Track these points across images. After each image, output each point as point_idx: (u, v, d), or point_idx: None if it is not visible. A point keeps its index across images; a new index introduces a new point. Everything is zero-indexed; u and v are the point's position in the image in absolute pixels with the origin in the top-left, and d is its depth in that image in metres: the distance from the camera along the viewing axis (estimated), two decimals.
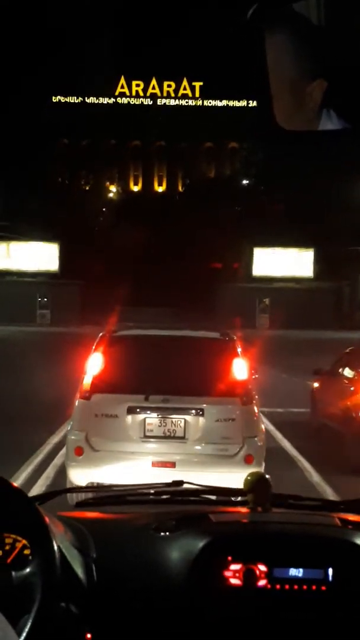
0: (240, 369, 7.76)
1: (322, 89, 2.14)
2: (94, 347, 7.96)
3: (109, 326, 8.64)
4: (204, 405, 7.45)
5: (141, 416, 7.43)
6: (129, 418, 7.43)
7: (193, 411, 7.41)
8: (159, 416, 7.42)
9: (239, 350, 8.01)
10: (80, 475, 7.27)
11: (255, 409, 7.73)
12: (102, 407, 7.52)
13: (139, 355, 8.06)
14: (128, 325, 9.88)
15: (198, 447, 7.34)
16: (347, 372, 12.08)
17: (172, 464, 7.18)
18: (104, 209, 71.04)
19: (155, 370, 7.87)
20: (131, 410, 7.44)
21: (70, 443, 7.59)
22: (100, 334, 8.20)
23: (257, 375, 9.35)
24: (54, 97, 75.04)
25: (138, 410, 7.44)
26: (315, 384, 13.95)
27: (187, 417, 7.41)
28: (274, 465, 7.64)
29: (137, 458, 7.22)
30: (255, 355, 7.61)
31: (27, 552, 1.97)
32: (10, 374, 19.92)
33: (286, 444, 11.80)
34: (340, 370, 12.48)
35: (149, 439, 7.41)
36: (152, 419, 7.42)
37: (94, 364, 7.76)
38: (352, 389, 11.42)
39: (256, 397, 7.90)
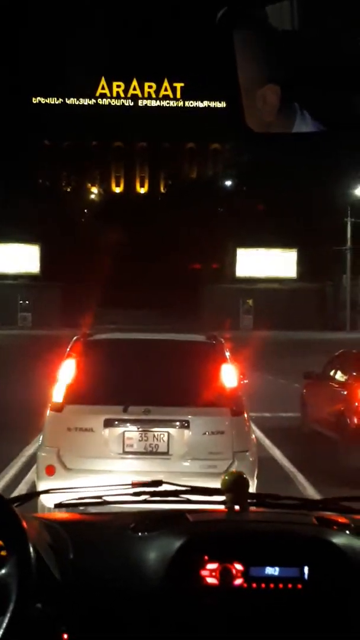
0: (228, 375, 7.03)
1: (275, 93, 2.18)
2: (67, 353, 7.20)
3: (84, 329, 7.95)
4: (190, 416, 6.74)
5: (119, 430, 6.71)
6: (106, 432, 6.70)
7: (177, 423, 6.71)
8: (140, 429, 6.71)
9: (227, 354, 7.29)
10: (52, 497, 6.55)
11: (247, 419, 7.04)
12: (76, 420, 6.78)
13: (117, 361, 7.28)
14: (110, 327, 9.30)
15: (183, 464, 6.62)
16: (339, 376, 11.63)
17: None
18: (85, 211, 70.57)
19: (135, 378, 7.11)
20: (108, 423, 6.71)
21: (40, 460, 6.84)
22: (75, 338, 7.43)
23: (246, 381, 8.65)
24: (34, 98, 74.36)
25: (116, 423, 6.72)
26: (305, 388, 13.47)
27: (171, 430, 6.70)
28: (264, 478, 6.98)
29: (116, 477, 6.43)
30: (240, 357, 7.07)
31: (2, 553, 1.94)
32: None
33: (276, 453, 11.20)
34: (331, 373, 12.03)
35: (128, 455, 6.68)
36: (131, 432, 6.71)
37: (67, 371, 6.98)
38: (344, 393, 10.97)
39: (247, 406, 7.22)
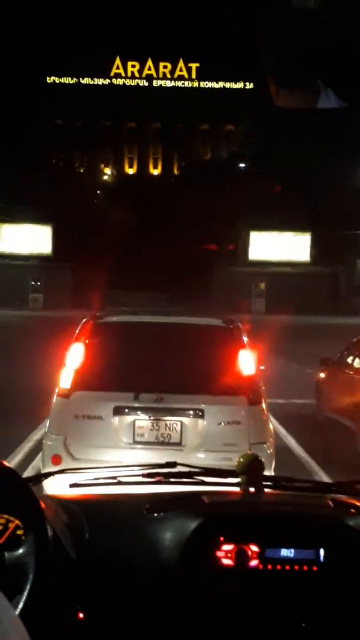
0: (246, 361, 6.61)
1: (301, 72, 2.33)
2: (75, 335, 6.81)
3: (94, 311, 7.56)
4: (204, 405, 6.35)
5: (130, 418, 6.35)
6: (116, 420, 6.34)
7: (191, 412, 6.33)
8: (151, 418, 6.34)
9: (245, 339, 6.86)
10: (56, 481, 6.28)
11: (265, 409, 6.63)
12: (84, 407, 6.41)
13: (128, 345, 6.89)
14: (121, 309, 8.96)
15: (197, 456, 6.21)
16: (357, 363, 11.29)
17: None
18: (98, 192, 70.18)
19: (146, 364, 6.72)
20: (118, 411, 6.35)
21: (46, 449, 6.51)
22: (84, 320, 7.02)
23: (263, 367, 8.22)
24: (48, 78, 73.79)
25: (126, 410, 6.36)
26: (322, 375, 13.11)
27: (184, 420, 6.33)
28: (279, 468, 6.50)
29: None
30: (252, 341, 6.76)
31: (19, 532, 1.96)
32: None
33: (291, 442, 10.87)
34: (349, 360, 11.69)
35: (138, 445, 6.32)
36: (142, 421, 6.34)
37: (75, 355, 6.59)
38: None
39: (265, 395, 6.80)
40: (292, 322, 38.59)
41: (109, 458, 6.08)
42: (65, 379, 6.55)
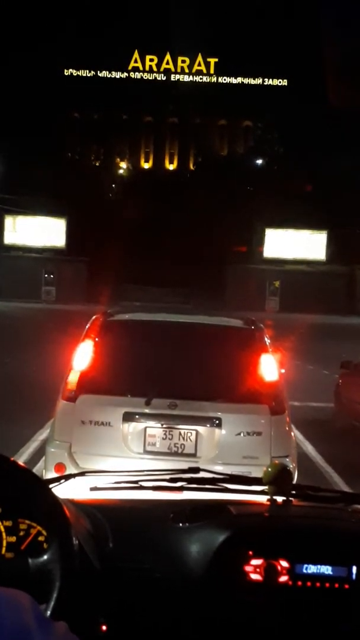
0: (268, 366, 6.11)
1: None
2: (84, 334, 6.33)
3: (105, 308, 7.06)
4: (222, 413, 5.85)
5: (141, 425, 5.86)
6: (125, 427, 5.86)
7: (207, 421, 5.84)
8: (164, 426, 5.84)
9: (268, 342, 6.36)
10: (72, 491, 5.86)
11: (287, 419, 6.11)
12: (91, 412, 5.92)
13: (141, 346, 6.42)
14: (134, 305, 8.46)
15: (213, 469, 5.66)
16: None
17: (179, 489, 5.69)
18: (113, 185, 69.91)
19: (160, 367, 6.23)
20: (128, 418, 5.87)
21: (49, 456, 6.05)
22: (93, 318, 6.55)
23: (284, 370, 7.74)
24: (66, 70, 73.62)
25: (137, 417, 5.87)
26: (341, 378, 12.65)
27: (200, 429, 5.83)
28: (299, 480, 6.20)
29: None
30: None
31: (41, 539, 1.91)
32: (2, 355, 18.72)
33: (309, 448, 10.39)
34: None
35: (149, 455, 5.82)
36: (154, 429, 5.86)
37: (83, 355, 6.10)
38: None
39: (288, 403, 6.28)
40: (306, 321, 38.17)
41: (117, 468, 5.61)
42: (71, 380, 6.08)
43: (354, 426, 11.37)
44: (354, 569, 2.07)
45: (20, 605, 1.22)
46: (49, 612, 1.73)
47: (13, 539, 1.93)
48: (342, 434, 11.74)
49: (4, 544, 1.92)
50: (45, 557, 1.85)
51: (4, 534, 1.93)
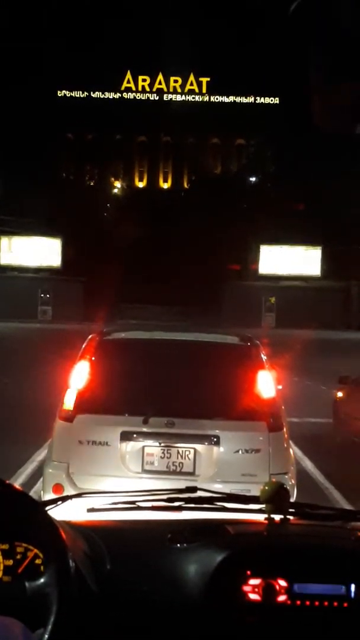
0: (266, 383, 6.13)
1: (350, 91, 2.24)
2: (80, 353, 6.33)
3: (101, 327, 7.07)
4: (220, 431, 5.86)
5: (139, 444, 5.86)
6: (123, 446, 5.85)
7: (205, 439, 5.84)
8: (162, 445, 5.84)
9: (264, 359, 6.38)
10: (68, 512, 5.77)
11: (286, 435, 6.13)
12: (89, 432, 5.91)
13: (137, 364, 6.40)
14: (131, 323, 8.49)
15: (211, 487, 5.57)
16: None
17: (178, 509, 5.63)
18: (108, 205, 70.14)
19: (157, 385, 6.22)
20: (126, 437, 5.86)
21: (47, 477, 6.02)
22: (89, 337, 6.56)
23: (280, 387, 7.76)
24: (59, 92, 73.98)
25: (135, 436, 5.87)
26: (340, 394, 12.65)
27: (198, 447, 5.82)
28: (299, 497, 6.05)
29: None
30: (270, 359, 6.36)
31: (38, 562, 1.90)
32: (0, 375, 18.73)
33: (308, 465, 10.36)
34: None
35: (147, 474, 5.81)
36: (152, 448, 5.85)
37: (80, 374, 6.11)
38: None
39: (286, 419, 6.29)
40: (303, 337, 38.21)
41: (116, 488, 5.65)
42: (68, 400, 6.08)
43: (353, 442, 11.36)
44: (353, 587, 2.06)
45: (11, 634, 1.23)
46: (46, 637, 1.72)
47: (10, 562, 1.92)
48: (341, 449, 11.72)
49: (1, 567, 1.92)
50: (42, 580, 1.84)
51: (0, 557, 1.93)
